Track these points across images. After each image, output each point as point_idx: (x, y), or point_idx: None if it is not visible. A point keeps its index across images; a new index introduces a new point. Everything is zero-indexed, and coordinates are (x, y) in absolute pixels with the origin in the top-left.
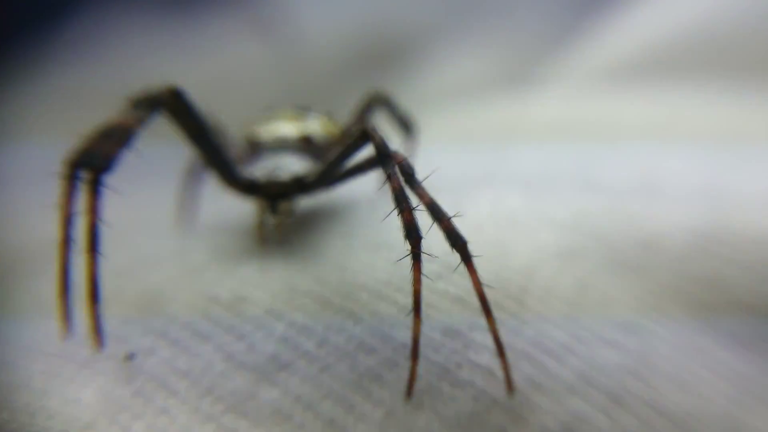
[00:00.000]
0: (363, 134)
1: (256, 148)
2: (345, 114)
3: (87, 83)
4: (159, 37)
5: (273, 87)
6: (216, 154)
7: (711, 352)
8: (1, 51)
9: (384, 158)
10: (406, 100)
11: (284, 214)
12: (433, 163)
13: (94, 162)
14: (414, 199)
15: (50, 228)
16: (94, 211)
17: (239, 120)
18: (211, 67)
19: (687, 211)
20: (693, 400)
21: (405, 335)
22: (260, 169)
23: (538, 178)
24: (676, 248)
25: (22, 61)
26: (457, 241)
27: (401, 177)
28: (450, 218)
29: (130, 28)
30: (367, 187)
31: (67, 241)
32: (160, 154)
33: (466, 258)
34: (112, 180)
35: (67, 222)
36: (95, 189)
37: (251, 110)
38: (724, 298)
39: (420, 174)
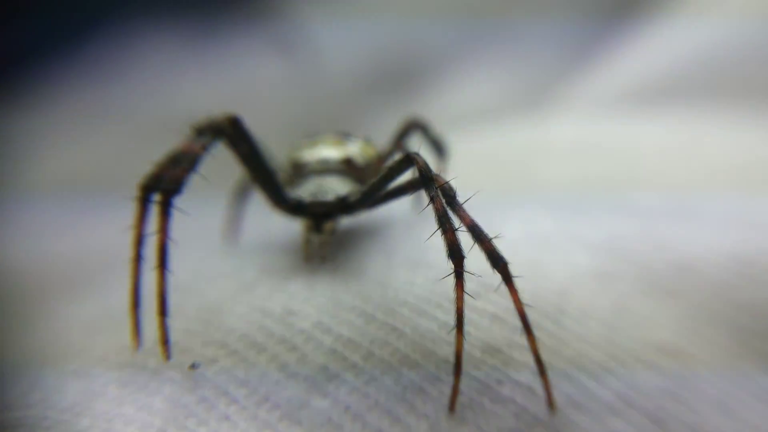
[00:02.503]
0: (406, 158)
1: (301, 171)
2: (373, 133)
3: (109, 106)
4: (182, 59)
5: (296, 108)
6: (267, 177)
7: (754, 377)
8: (23, 74)
9: (427, 181)
10: (432, 121)
11: (328, 232)
12: (465, 183)
13: (164, 186)
14: (456, 220)
15: (114, 246)
16: (164, 231)
17: (271, 141)
18: (235, 89)
19: (722, 234)
20: (738, 425)
21: (446, 351)
22: (305, 191)
23: (567, 200)
24: (714, 272)
25: (46, 85)
26: (498, 262)
27: (443, 199)
28: (491, 239)
29: (153, 51)
30: (402, 209)
31: (138, 259)
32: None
33: (507, 278)
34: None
35: (140, 242)
36: (166, 210)
37: (281, 131)
38: (764, 323)
39: (460, 196)
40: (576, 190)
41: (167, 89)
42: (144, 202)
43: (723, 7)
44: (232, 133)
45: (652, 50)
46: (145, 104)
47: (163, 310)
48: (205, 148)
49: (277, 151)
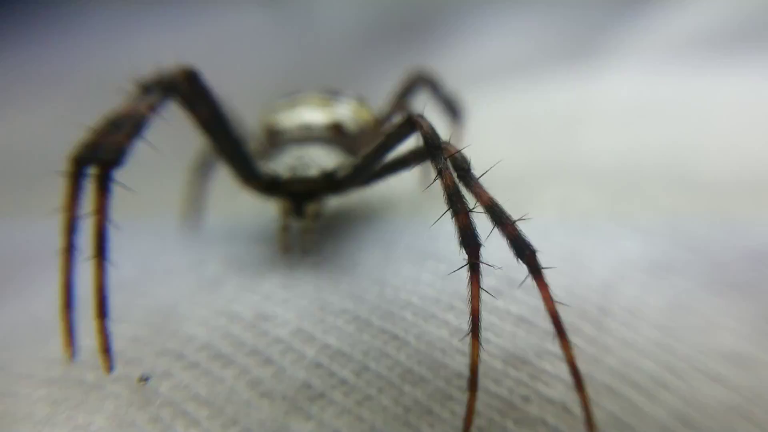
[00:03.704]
0: (408, 122)
1: (277, 140)
2: (374, 96)
3: (41, 68)
4: (154, 11)
5: (279, 63)
6: (234, 146)
7: None
8: None
9: (434, 150)
10: (445, 78)
11: (312, 217)
12: (486, 153)
13: (102, 156)
14: (470, 199)
15: (39, 236)
16: (102, 212)
17: (248, 105)
18: (212, 43)
19: None
20: None
21: (459, 362)
22: (283, 164)
23: (615, 172)
24: None
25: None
26: (524, 251)
27: (454, 172)
28: (514, 222)
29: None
30: (409, 185)
31: (70, 249)
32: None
33: (535, 270)
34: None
35: (72, 227)
36: (104, 186)
37: (261, 92)
38: None
39: (476, 169)
40: (627, 162)
41: (117, 46)
42: (77, 177)
43: None
44: (187, 90)
45: None
46: (87, 64)
47: (102, 312)
48: (152, 108)
49: (250, 114)
